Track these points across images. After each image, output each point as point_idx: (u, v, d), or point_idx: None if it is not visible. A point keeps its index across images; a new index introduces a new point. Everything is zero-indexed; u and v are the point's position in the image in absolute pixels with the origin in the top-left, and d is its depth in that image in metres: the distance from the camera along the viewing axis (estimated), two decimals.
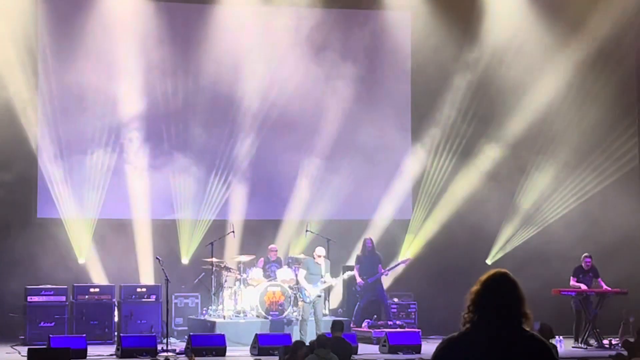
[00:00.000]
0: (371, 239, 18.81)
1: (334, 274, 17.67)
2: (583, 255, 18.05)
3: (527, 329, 4.43)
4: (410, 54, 20.78)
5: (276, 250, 18.73)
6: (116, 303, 18.02)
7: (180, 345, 16.78)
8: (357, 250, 18.97)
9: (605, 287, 17.84)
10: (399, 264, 19.07)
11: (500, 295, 4.42)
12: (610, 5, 20.32)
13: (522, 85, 20.53)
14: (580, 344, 17.52)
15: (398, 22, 20.83)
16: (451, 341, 4.47)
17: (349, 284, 18.98)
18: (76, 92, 19.01)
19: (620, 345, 16.04)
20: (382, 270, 18.50)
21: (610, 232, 20.07)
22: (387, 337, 16.42)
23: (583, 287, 17.77)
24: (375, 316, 18.36)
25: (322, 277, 16.96)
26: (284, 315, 17.50)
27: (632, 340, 14.25)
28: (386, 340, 16.35)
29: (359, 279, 18.43)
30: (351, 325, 17.93)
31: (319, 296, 16.95)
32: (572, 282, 17.89)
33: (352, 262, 19.03)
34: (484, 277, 4.50)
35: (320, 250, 17.18)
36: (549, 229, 20.56)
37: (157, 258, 17.34)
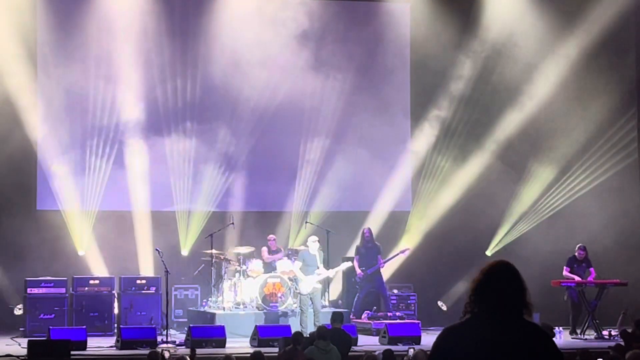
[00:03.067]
0: (369, 229, 18.78)
1: (334, 266, 17.66)
2: (577, 246, 18.08)
3: (529, 320, 4.44)
4: (409, 45, 20.76)
5: (275, 239, 18.73)
6: (116, 295, 18.03)
7: (180, 336, 16.79)
8: (357, 242, 18.96)
9: (593, 275, 17.89)
10: (397, 254, 19.06)
11: (501, 285, 4.42)
12: None
13: (523, 77, 20.52)
14: (579, 335, 17.56)
15: (397, 13, 20.82)
16: (452, 330, 4.48)
17: (348, 275, 18.98)
18: (76, 85, 19.00)
19: (619, 336, 16.06)
20: (381, 262, 18.50)
21: (609, 224, 20.09)
22: (386, 328, 16.43)
23: (577, 278, 17.82)
24: (375, 307, 18.37)
25: (317, 268, 16.95)
26: (283, 306, 17.50)
27: (630, 330, 14.28)
28: (386, 332, 16.36)
29: (358, 270, 18.43)
30: (351, 316, 17.95)
31: (316, 288, 16.92)
32: (565, 272, 17.92)
33: (352, 253, 19.02)
34: (485, 267, 4.50)
35: (313, 238, 17.15)
36: (548, 221, 20.58)
37: (156, 250, 17.34)
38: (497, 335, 4.36)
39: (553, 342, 4.44)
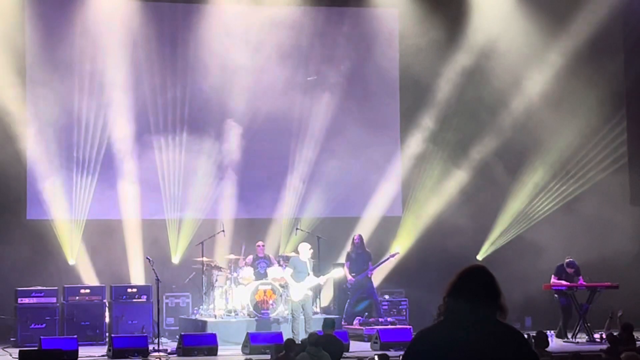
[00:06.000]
0: (359, 236, 18.80)
1: (325, 272, 17.65)
2: (566, 261, 17.91)
3: (503, 321, 4.47)
4: (398, 51, 20.79)
5: (263, 246, 18.72)
6: (107, 304, 17.99)
7: (172, 345, 16.76)
8: (348, 248, 18.97)
9: (581, 282, 17.89)
10: (387, 259, 19.04)
11: (475, 287, 4.47)
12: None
13: (511, 82, 20.56)
14: (571, 339, 17.58)
15: (385, 19, 20.85)
16: (426, 332, 4.52)
17: (339, 282, 18.95)
18: (65, 96, 18.96)
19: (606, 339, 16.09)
20: (371, 268, 18.50)
21: (599, 228, 20.12)
22: (378, 334, 16.44)
23: (565, 282, 17.84)
24: (366, 313, 18.38)
25: (308, 274, 16.94)
26: (275, 313, 17.49)
27: (616, 333, 14.29)
28: (377, 338, 16.37)
29: (349, 276, 18.45)
30: (342, 322, 17.95)
31: (307, 294, 16.90)
32: (553, 280, 17.87)
33: (343, 259, 19.04)
34: (461, 270, 4.56)
35: (306, 246, 17.13)
36: (538, 226, 20.59)
37: (147, 258, 17.32)
38: (471, 337, 4.40)
39: (527, 343, 4.48)
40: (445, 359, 4.37)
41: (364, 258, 18.59)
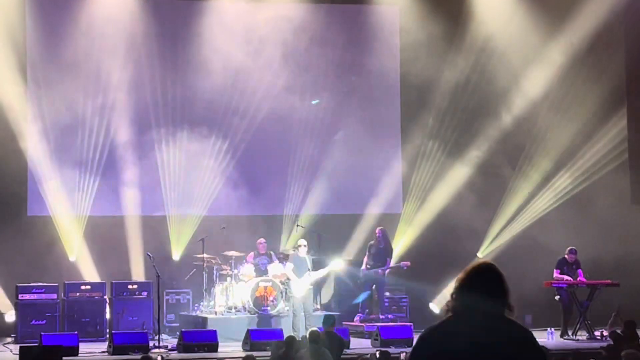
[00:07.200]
0: (381, 230, 18.66)
1: (324, 266, 17.66)
2: (567, 249, 18.04)
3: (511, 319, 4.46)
4: (399, 49, 20.79)
5: (264, 243, 18.71)
6: (107, 300, 18.00)
7: (172, 341, 16.76)
8: (348, 245, 19.01)
9: (581, 277, 17.90)
10: (396, 266, 18.83)
11: (484, 284, 4.45)
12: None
13: (512, 80, 20.55)
14: (571, 336, 17.58)
15: (386, 16, 20.84)
16: (434, 329, 4.50)
17: (338, 278, 18.94)
18: (66, 93, 18.96)
19: (609, 336, 16.09)
20: (388, 265, 18.42)
21: (600, 225, 20.12)
22: (379, 331, 16.44)
23: (567, 278, 17.84)
24: (367, 310, 18.39)
25: (308, 270, 16.95)
26: (275, 310, 17.50)
27: (619, 331, 14.30)
28: (378, 334, 16.37)
29: (363, 266, 18.44)
30: (343, 321, 17.98)
31: (309, 290, 16.90)
32: (556, 275, 17.91)
33: (343, 256, 19.05)
34: (469, 266, 4.54)
35: (302, 242, 17.13)
36: (539, 223, 20.59)
37: (148, 254, 17.31)
38: (478, 334, 4.38)
39: (536, 341, 4.47)
40: (454, 356, 4.36)
41: (383, 253, 18.50)
